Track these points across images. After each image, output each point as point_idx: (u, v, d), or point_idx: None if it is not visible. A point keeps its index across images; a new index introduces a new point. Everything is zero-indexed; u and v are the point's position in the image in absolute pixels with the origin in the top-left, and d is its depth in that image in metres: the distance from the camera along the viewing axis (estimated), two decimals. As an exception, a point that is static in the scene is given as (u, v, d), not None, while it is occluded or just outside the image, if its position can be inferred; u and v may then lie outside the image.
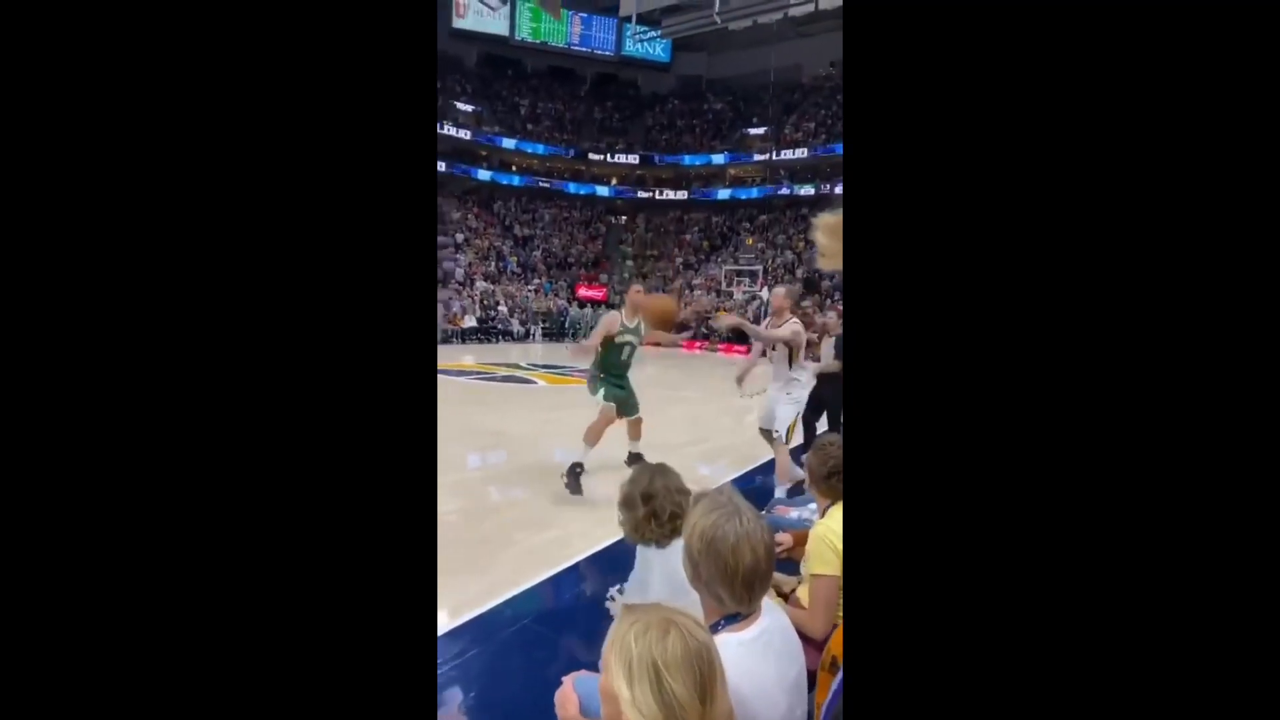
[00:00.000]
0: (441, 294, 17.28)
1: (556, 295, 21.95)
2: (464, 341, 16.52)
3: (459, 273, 20.04)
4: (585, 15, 25.45)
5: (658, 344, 6.16)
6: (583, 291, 22.62)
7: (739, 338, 17.24)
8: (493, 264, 22.58)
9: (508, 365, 12.09)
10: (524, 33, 25.31)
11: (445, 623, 2.52)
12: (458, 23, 24.48)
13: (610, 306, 21.64)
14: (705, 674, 0.82)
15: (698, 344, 17.96)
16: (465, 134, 25.17)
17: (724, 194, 26.07)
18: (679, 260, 24.66)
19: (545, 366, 12.20)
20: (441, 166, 24.07)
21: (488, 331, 17.64)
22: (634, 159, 27.38)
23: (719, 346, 17.88)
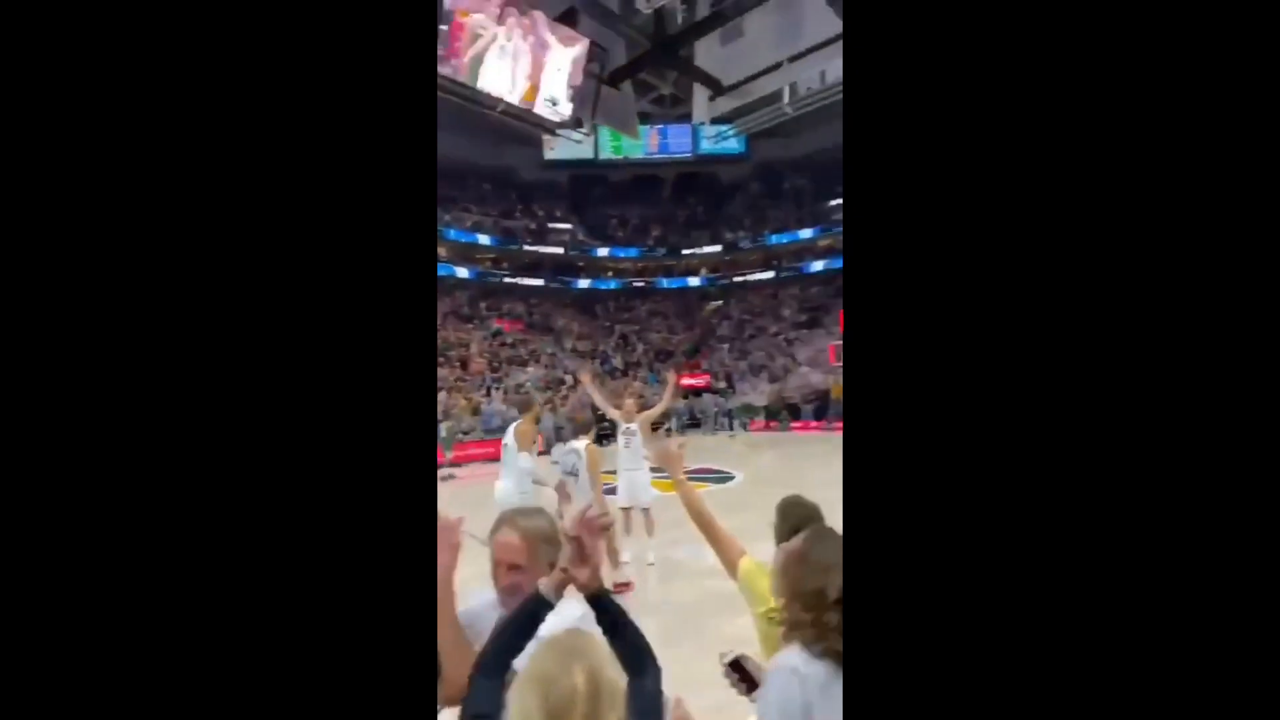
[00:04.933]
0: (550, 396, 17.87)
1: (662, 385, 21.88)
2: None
3: (569, 378, 20.73)
4: (661, 126, 26.90)
5: None
6: (685, 381, 22.75)
7: (819, 411, 17.75)
8: (598, 363, 23.30)
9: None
10: (607, 152, 27.07)
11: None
12: (548, 154, 26.57)
13: (713, 392, 21.66)
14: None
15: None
16: (560, 250, 27.27)
17: (818, 266, 26.00)
18: (779, 335, 24.39)
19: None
20: (540, 281, 26.62)
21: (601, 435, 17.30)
22: (718, 248, 27.97)
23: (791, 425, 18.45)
